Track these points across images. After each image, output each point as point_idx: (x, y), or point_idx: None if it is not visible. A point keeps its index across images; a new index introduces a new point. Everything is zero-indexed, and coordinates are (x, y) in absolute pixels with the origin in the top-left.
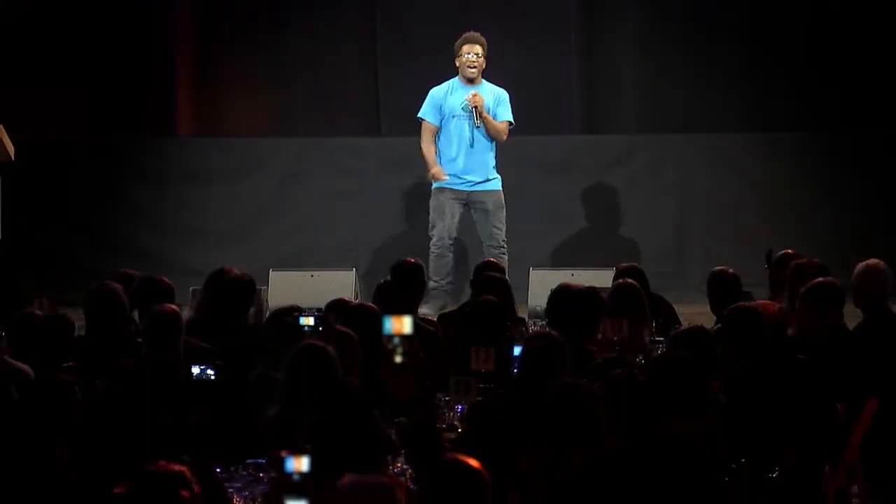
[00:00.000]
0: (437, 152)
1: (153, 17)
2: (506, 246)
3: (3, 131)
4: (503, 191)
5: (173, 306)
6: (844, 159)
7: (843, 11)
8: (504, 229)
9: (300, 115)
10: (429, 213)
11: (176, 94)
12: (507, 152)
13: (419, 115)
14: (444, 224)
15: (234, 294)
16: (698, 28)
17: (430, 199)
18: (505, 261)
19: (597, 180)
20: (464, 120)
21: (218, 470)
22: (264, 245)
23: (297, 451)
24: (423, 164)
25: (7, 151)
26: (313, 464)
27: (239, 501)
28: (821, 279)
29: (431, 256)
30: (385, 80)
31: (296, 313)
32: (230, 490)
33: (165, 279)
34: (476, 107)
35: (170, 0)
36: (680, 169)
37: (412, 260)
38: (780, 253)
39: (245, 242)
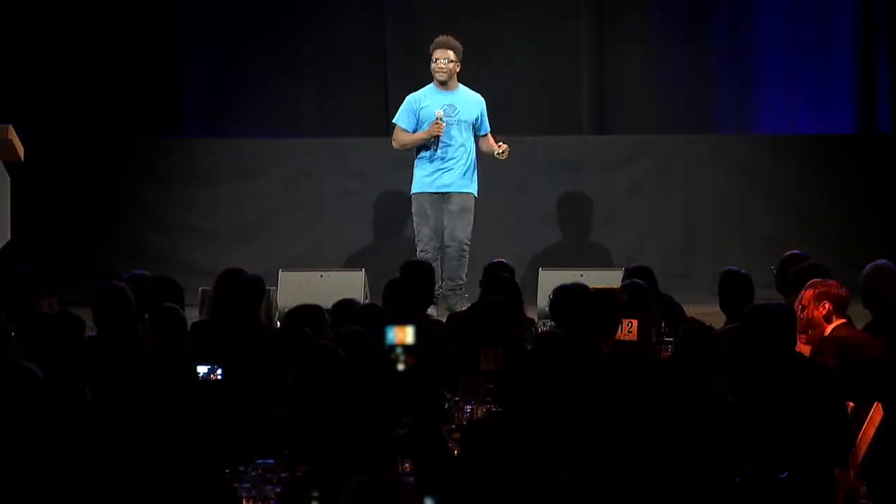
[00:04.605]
0: (420, 156)
1: (162, 18)
2: (468, 248)
3: (13, 132)
4: (477, 198)
5: (175, 305)
6: (851, 160)
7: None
8: (468, 233)
9: (309, 115)
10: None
11: (185, 95)
12: (516, 153)
13: (395, 120)
14: (429, 227)
15: (243, 294)
16: (707, 29)
17: (411, 203)
18: (464, 263)
19: (605, 181)
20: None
21: (227, 470)
22: (274, 245)
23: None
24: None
25: (17, 152)
26: (323, 464)
27: (248, 502)
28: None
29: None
30: (394, 80)
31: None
32: (239, 490)
33: (175, 280)
34: (438, 136)
35: (178, 1)
36: (688, 169)
37: (422, 259)
38: (787, 253)
39: (254, 243)
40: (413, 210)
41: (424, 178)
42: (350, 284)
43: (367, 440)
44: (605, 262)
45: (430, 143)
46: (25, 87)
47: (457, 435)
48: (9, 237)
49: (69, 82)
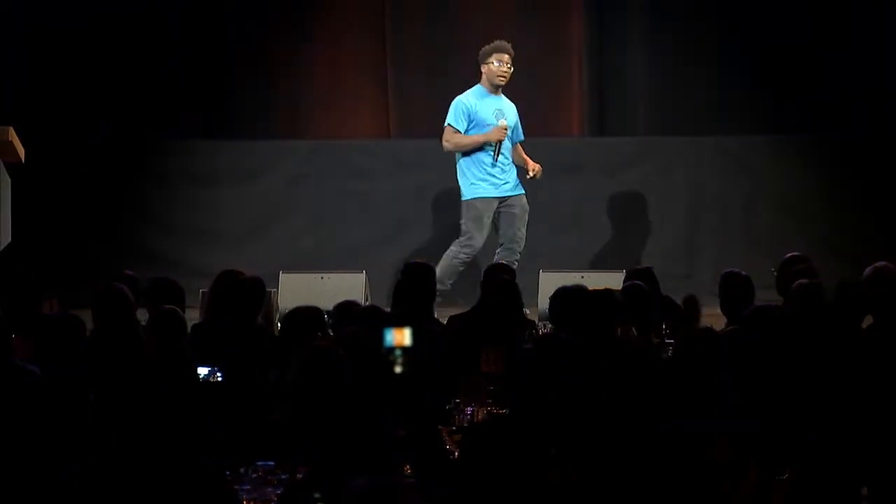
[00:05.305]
0: (473, 159)
1: (164, 18)
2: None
3: (14, 133)
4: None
5: (174, 307)
6: (854, 161)
7: (848, 13)
8: (525, 234)
9: (310, 116)
10: (460, 221)
11: (186, 96)
12: None
13: (449, 121)
14: (481, 236)
15: (241, 296)
16: (708, 30)
17: (465, 209)
18: (515, 265)
19: (607, 182)
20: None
21: (227, 472)
22: (275, 247)
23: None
24: (429, 166)
25: (17, 154)
26: (323, 466)
27: None
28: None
29: (456, 262)
30: (395, 81)
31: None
32: (239, 492)
33: (176, 281)
34: (500, 141)
35: (180, 1)
36: (689, 171)
37: (422, 261)
38: (787, 255)
39: (255, 244)
40: (470, 216)
41: (482, 182)
42: (351, 286)
43: (368, 441)
44: (606, 264)
45: (490, 147)
46: (26, 87)
47: (458, 437)
48: (9, 239)
49: (70, 83)
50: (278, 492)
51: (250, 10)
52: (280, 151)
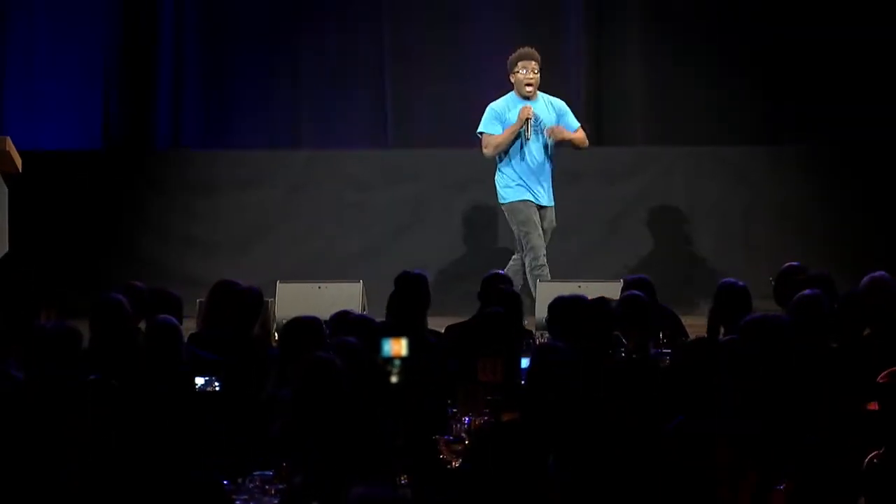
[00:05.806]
0: (509, 164)
1: (162, 28)
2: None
3: (11, 143)
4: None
5: (170, 317)
6: (851, 169)
7: (850, 21)
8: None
9: (308, 126)
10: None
11: (184, 106)
12: None
13: (480, 129)
14: (538, 233)
15: (238, 306)
16: (706, 40)
17: (508, 214)
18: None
19: (605, 192)
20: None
21: (225, 482)
22: (272, 257)
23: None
24: (426, 176)
25: (14, 163)
26: (321, 475)
27: None
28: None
29: (536, 272)
30: (392, 92)
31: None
32: (238, 502)
33: (172, 292)
34: (528, 119)
35: (179, 11)
36: (688, 180)
37: (416, 270)
38: (785, 265)
39: (253, 254)
40: (517, 220)
41: (518, 186)
42: (348, 296)
43: (366, 449)
44: (604, 274)
45: (521, 133)
46: (25, 94)
47: (455, 446)
48: (7, 249)
49: (70, 91)
50: (276, 501)
51: (248, 19)
52: (277, 161)
